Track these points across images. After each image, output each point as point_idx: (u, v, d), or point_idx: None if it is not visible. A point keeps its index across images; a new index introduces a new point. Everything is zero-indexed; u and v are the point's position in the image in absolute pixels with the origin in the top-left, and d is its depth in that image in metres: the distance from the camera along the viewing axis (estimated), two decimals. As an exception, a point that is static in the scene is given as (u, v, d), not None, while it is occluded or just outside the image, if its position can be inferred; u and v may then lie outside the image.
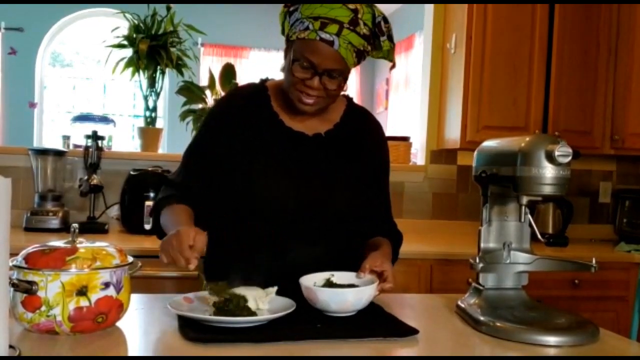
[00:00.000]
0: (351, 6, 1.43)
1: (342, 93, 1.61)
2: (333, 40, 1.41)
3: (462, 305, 1.45)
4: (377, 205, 1.65)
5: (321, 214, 1.53)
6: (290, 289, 1.36)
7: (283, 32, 1.53)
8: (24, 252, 1.18)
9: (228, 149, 1.54)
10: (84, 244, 1.20)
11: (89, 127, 3.23)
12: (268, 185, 1.51)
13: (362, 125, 1.64)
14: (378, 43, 1.50)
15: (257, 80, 1.67)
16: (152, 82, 3.19)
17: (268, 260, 1.52)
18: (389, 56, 1.54)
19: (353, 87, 8.14)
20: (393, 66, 1.58)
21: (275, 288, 1.35)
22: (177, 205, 1.52)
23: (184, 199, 1.54)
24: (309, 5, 1.43)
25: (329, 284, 1.38)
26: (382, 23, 1.49)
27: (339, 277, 1.40)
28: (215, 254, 1.59)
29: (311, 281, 1.37)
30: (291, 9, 1.48)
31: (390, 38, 1.51)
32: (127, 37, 3.15)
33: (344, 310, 1.32)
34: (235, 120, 1.57)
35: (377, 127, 1.69)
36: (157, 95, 3.24)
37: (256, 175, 1.51)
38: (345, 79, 1.49)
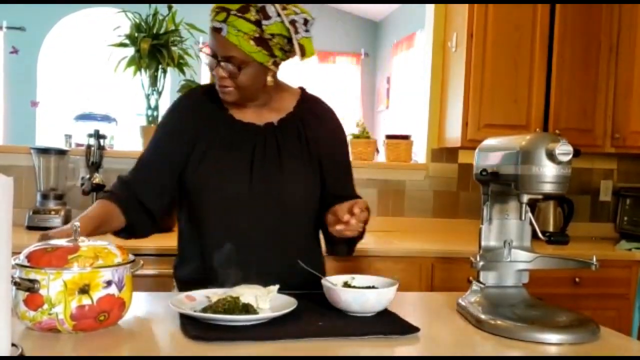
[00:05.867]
0: None
1: (296, 85, 1.68)
2: (221, 27, 1.46)
3: (463, 303, 1.46)
4: (340, 186, 1.67)
5: (276, 201, 1.56)
6: (256, 281, 1.37)
7: None
8: (26, 251, 1.18)
9: (180, 149, 1.59)
10: (86, 243, 1.21)
11: (90, 126, 3.23)
12: (221, 179, 1.55)
13: (314, 112, 1.68)
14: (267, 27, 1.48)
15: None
16: (153, 81, 3.20)
17: (230, 254, 1.54)
18: (293, 45, 1.51)
19: (354, 86, 8.14)
20: (302, 54, 1.53)
21: (277, 286, 1.36)
22: (103, 202, 1.60)
23: (116, 198, 1.60)
24: None
25: (347, 286, 1.40)
26: (275, 7, 1.48)
27: (358, 279, 1.44)
28: (181, 250, 1.65)
29: (332, 282, 1.39)
30: None
31: (292, 23, 1.49)
32: (128, 36, 3.16)
33: (366, 311, 1.34)
34: (185, 121, 1.62)
35: (330, 113, 1.72)
36: (159, 94, 3.25)
37: (207, 171, 1.56)
38: (240, 67, 1.49)
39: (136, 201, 1.59)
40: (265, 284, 1.35)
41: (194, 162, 1.57)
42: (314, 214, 1.63)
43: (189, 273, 1.61)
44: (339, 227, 1.42)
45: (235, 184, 1.55)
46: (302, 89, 1.73)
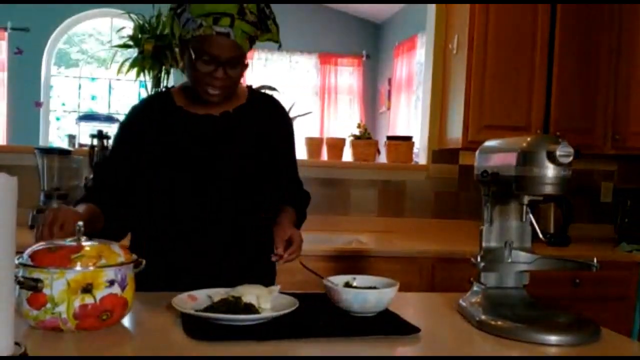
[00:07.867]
0: None
1: (245, 84, 1.74)
2: (228, 32, 1.50)
3: (464, 304, 1.46)
4: (286, 173, 1.77)
5: (234, 186, 1.61)
6: (211, 283, 1.41)
7: (173, 36, 1.62)
8: (29, 250, 1.19)
9: (137, 155, 1.62)
10: (89, 242, 1.22)
11: (94, 126, 3.24)
12: (172, 174, 1.60)
13: (266, 105, 1.75)
14: (266, 27, 1.59)
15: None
16: (157, 82, 3.21)
17: (187, 248, 1.61)
18: (274, 37, 1.63)
19: (355, 88, 8.14)
20: (280, 46, 1.70)
21: (279, 287, 1.37)
22: (87, 204, 1.58)
23: (95, 202, 1.60)
24: (197, 5, 1.51)
25: (348, 286, 1.41)
26: (265, 8, 1.58)
27: (359, 280, 1.45)
28: (138, 253, 1.67)
29: (333, 283, 1.40)
30: (178, 10, 1.56)
31: (274, 20, 1.61)
32: (132, 38, 3.17)
33: (366, 311, 1.35)
34: (140, 127, 1.65)
35: (280, 107, 1.78)
36: (162, 94, 3.25)
37: (165, 167, 1.60)
38: (244, 64, 1.58)
39: (111, 206, 1.62)
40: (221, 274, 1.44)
41: (153, 164, 1.61)
42: (266, 203, 1.69)
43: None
44: (273, 258, 1.55)
45: (191, 175, 1.59)
46: (248, 86, 1.79)
